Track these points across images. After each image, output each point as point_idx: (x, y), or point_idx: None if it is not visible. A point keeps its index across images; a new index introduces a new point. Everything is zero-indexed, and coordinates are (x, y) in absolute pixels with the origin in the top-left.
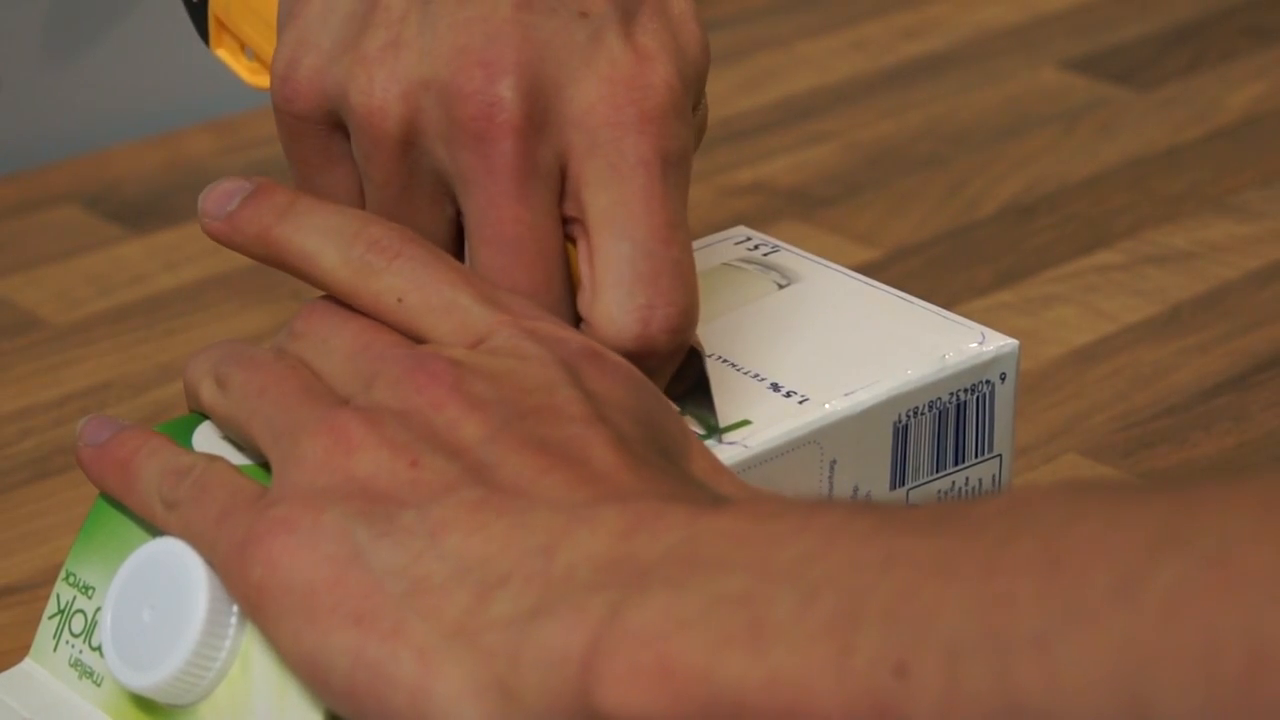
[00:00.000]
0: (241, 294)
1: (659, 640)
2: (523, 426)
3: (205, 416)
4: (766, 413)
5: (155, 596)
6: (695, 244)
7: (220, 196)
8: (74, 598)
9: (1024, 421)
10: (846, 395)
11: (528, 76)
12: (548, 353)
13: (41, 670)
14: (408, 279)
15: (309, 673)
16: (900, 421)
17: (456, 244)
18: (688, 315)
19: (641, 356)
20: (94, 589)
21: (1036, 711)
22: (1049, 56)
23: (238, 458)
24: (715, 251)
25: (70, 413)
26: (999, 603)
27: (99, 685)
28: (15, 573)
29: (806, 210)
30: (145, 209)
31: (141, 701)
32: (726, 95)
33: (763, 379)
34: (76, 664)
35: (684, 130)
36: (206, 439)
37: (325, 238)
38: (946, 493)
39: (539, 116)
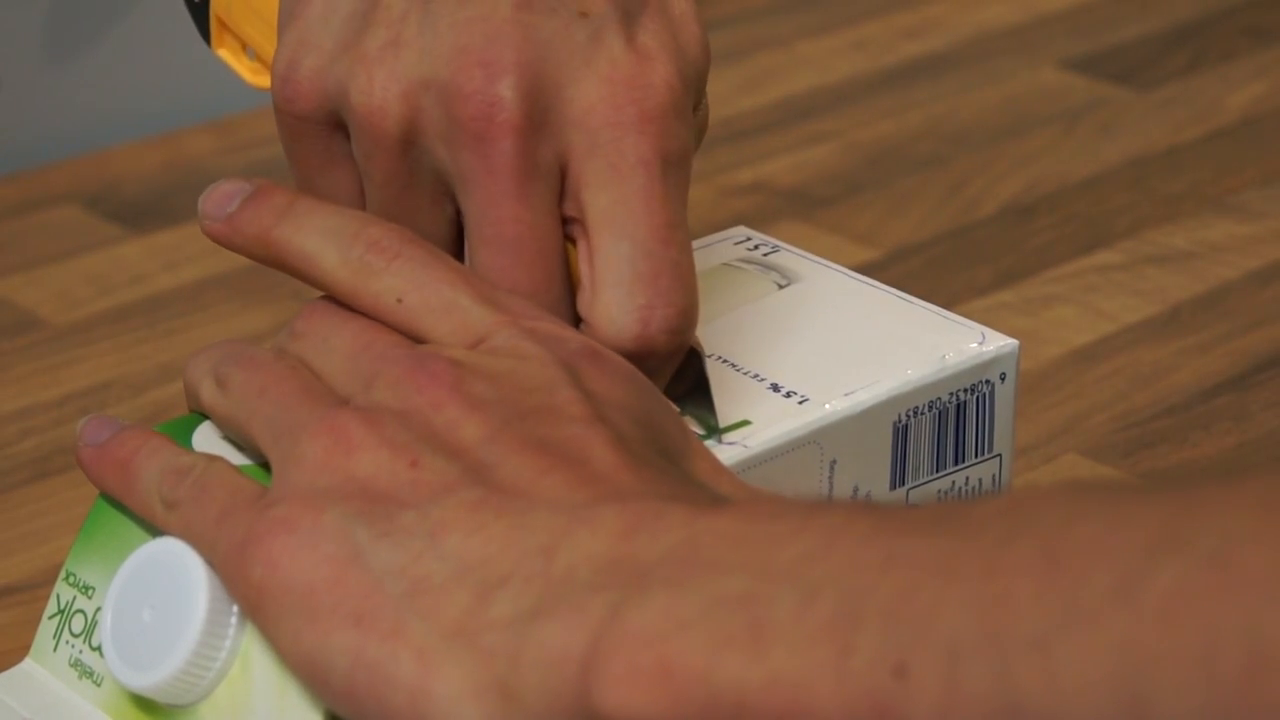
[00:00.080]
0: (241, 294)
1: (659, 641)
2: (523, 427)
3: (205, 416)
4: (766, 413)
5: (155, 596)
6: (695, 244)
7: (220, 198)
8: (74, 598)
9: (1024, 421)
10: (846, 395)
11: (528, 76)
12: (547, 353)
13: (41, 670)
14: (407, 279)
15: (309, 673)
16: (900, 421)
17: (456, 244)
18: (687, 315)
19: (641, 357)
20: (94, 589)
21: (1036, 712)
22: (1049, 56)
23: (238, 458)
24: (715, 251)
25: (70, 413)
26: (999, 603)
27: (99, 685)
28: (15, 573)
29: (806, 210)
30: (145, 209)
31: (141, 701)
32: (726, 95)
33: (762, 379)
34: (76, 664)
35: (684, 130)
36: (206, 439)
37: (325, 238)
38: (946, 493)
39: (539, 116)
